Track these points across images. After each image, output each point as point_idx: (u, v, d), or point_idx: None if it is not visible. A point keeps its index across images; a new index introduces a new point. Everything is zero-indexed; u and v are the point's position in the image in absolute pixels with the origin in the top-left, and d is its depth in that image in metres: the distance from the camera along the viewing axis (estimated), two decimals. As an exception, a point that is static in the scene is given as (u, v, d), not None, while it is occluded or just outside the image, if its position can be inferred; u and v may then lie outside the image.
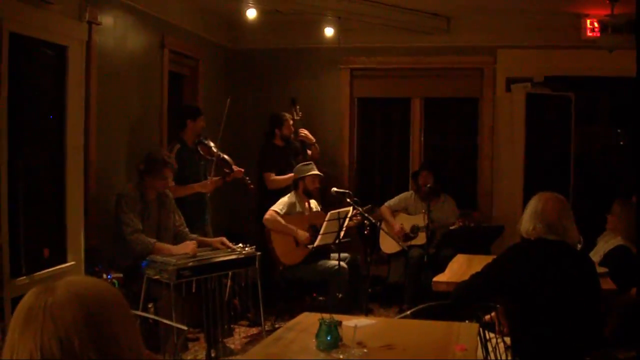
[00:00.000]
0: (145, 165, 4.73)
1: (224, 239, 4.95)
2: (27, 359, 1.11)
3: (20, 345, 1.13)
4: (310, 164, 6.04)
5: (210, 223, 5.86)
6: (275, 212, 5.71)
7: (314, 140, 6.82)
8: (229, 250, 4.84)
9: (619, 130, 7.37)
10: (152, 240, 4.58)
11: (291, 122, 6.66)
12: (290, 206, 5.82)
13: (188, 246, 4.66)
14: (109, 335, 1.16)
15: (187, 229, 5.01)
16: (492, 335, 3.37)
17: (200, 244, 4.86)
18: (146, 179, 4.74)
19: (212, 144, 5.65)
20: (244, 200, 6.85)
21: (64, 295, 1.16)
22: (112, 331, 1.17)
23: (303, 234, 5.74)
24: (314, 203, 6.08)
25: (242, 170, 5.80)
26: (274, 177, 6.42)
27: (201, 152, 5.63)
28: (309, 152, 6.78)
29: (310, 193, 5.99)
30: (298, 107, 6.74)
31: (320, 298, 6.31)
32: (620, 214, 4.61)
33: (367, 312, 5.67)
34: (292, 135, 6.69)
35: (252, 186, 5.87)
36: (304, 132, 6.75)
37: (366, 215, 5.31)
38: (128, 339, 1.20)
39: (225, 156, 5.71)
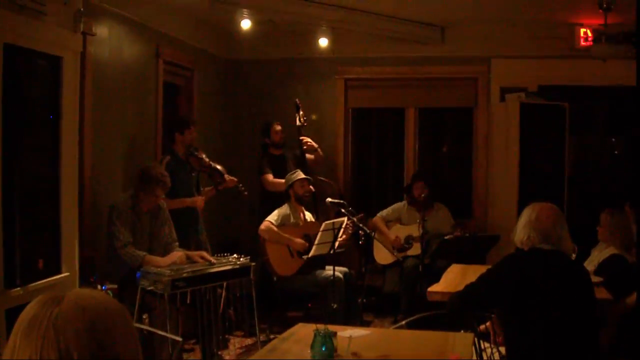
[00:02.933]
0: (139, 180, 4.74)
1: (204, 253, 4.93)
2: None
3: (20, 350, 1.13)
4: (296, 171, 5.99)
5: (205, 232, 5.83)
6: (270, 222, 5.71)
7: (317, 146, 6.73)
8: (208, 263, 4.79)
9: (613, 140, 7.39)
10: (142, 254, 4.58)
11: (279, 128, 6.61)
12: (284, 217, 5.81)
13: (174, 256, 4.70)
14: (109, 353, 1.16)
15: (176, 243, 4.99)
16: (487, 345, 3.37)
17: None
18: (139, 193, 4.74)
19: (203, 155, 5.64)
20: (240, 208, 6.83)
21: (70, 309, 1.16)
22: (113, 349, 1.17)
23: (299, 242, 5.73)
24: (308, 215, 6.07)
25: (235, 179, 5.80)
26: (271, 178, 6.41)
27: (192, 163, 5.63)
28: (311, 156, 6.70)
29: (302, 199, 5.97)
30: (302, 112, 6.60)
31: (315, 308, 6.29)
32: (610, 224, 4.60)
33: (362, 323, 5.66)
34: (282, 140, 6.64)
35: (246, 193, 5.87)
36: (306, 139, 6.66)
37: (361, 225, 5.29)
38: (129, 358, 1.20)
39: (218, 166, 5.71)
